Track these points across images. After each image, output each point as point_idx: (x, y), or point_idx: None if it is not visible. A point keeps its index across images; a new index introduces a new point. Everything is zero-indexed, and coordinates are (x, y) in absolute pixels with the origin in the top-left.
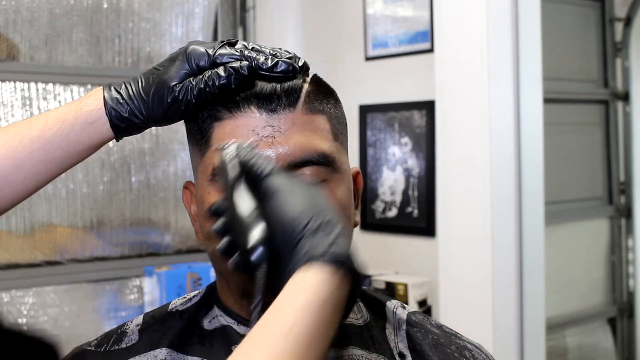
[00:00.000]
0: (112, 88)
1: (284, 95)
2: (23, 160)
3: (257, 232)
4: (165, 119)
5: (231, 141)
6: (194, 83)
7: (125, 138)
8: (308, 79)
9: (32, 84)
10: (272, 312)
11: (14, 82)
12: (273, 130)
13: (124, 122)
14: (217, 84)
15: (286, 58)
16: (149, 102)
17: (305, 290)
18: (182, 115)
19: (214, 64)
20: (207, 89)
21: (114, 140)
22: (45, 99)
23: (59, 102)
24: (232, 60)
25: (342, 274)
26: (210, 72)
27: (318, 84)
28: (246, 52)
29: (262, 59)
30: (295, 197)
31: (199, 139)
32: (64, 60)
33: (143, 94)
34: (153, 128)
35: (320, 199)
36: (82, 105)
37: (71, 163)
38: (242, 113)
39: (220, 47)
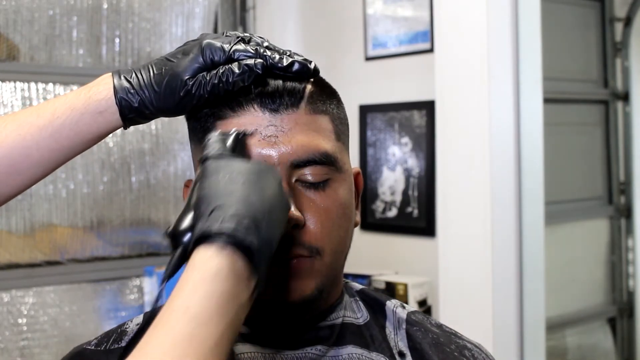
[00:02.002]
0: (122, 77)
1: (287, 95)
2: (31, 148)
3: (188, 217)
4: (175, 111)
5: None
6: (207, 78)
7: (125, 138)
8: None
9: (32, 84)
10: (172, 295)
11: (14, 82)
12: (276, 129)
13: (133, 112)
14: (230, 80)
15: (301, 60)
16: (161, 94)
17: (194, 269)
18: (193, 108)
19: (228, 59)
20: (221, 85)
21: (122, 128)
22: (45, 99)
23: None
24: (247, 57)
25: (231, 248)
26: (224, 68)
27: (321, 84)
28: (261, 50)
29: (277, 57)
30: (208, 182)
31: (201, 138)
32: (64, 60)
33: (155, 85)
34: (153, 128)
35: (233, 185)
36: (91, 94)
37: (79, 151)
38: (245, 112)
39: (236, 43)
